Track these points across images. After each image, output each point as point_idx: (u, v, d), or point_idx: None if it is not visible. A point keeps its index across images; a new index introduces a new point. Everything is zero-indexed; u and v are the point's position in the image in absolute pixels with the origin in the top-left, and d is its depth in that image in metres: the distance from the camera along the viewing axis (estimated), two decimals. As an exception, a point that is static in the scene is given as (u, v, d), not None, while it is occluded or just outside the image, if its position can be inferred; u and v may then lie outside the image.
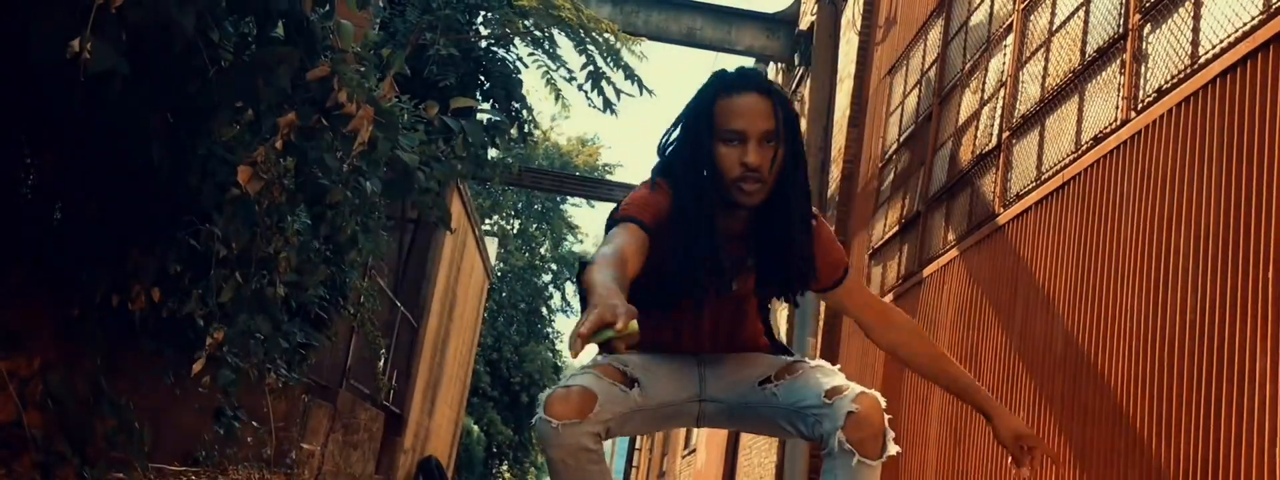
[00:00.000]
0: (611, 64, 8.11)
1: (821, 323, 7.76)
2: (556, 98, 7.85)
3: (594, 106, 6.04)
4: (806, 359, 2.34)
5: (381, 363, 10.40)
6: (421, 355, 12.87)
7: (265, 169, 2.88)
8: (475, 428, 27.82)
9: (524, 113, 8.64)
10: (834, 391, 2.11)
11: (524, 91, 8.80)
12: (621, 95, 6.84)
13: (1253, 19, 2.88)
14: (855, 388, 2.11)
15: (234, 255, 3.19)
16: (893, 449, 2.12)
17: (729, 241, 2.27)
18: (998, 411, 2.39)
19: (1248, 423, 2.56)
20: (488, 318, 26.29)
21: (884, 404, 2.11)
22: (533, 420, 2.18)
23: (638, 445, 23.84)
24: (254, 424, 5.36)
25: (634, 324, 1.81)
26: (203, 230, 3.17)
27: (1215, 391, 2.72)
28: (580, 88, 7.45)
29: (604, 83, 7.58)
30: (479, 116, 8.52)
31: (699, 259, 2.23)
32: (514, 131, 4.61)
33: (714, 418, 2.41)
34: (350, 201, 3.44)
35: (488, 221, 28.61)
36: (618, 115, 9.40)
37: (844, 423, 2.07)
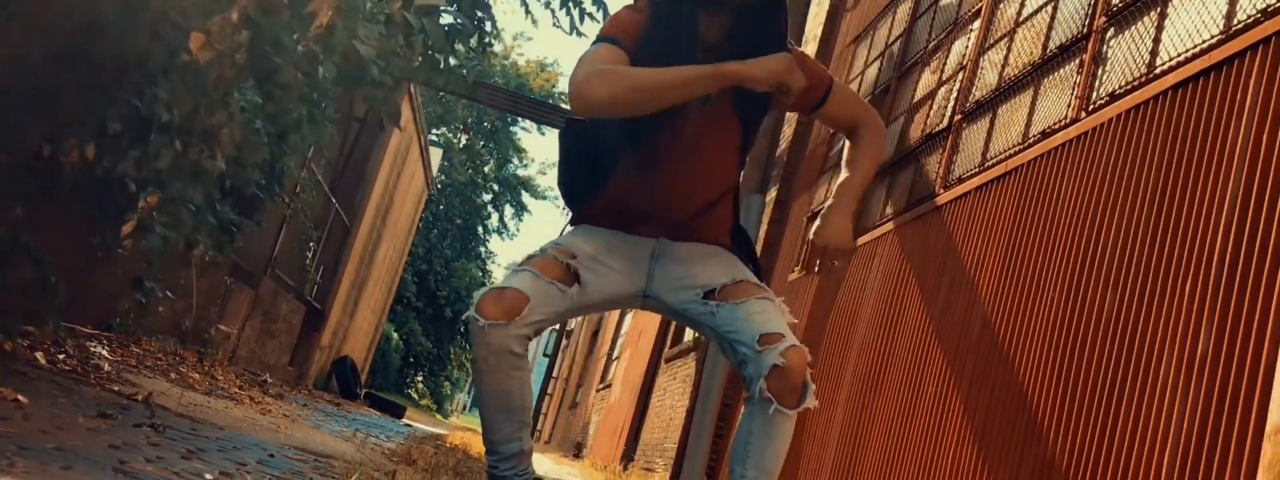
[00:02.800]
0: None
1: (760, 247, 7.86)
2: (526, 12, 7.76)
3: (560, 27, 5.96)
4: (753, 280, 2.36)
5: (310, 257, 10.36)
6: (350, 255, 12.83)
7: (219, 39, 2.83)
8: (396, 335, 27.87)
9: (487, 24, 8.53)
10: (767, 339, 2.17)
11: (490, 1, 8.66)
12: (586, 18, 6.77)
13: (1212, 38, 2.95)
14: (787, 340, 2.17)
15: (176, 123, 3.15)
16: (810, 402, 2.21)
17: (707, 49, 2.33)
18: (836, 209, 2.65)
19: (1144, 422, 2.67)
20: (422, 228, 26.19)
21: (809, 358, 2.19)
22: (464, 315, 2.26)
23: (554, 374, 24.06)
24: (170, 295, 5.34)
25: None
26: (147, 93, 3.12)
27: (1118, 389, 2.83)
28: (547, 6, 7.36)
29: (571, 3, 7.49)
30: (442, 20, 8.37)
31: (675, 61, 2.27)
32: (474, 40, 4.55)
33: (655, 310, 2.48)
34: (300, 84, 3.40)
35: (435, 132, 28.31)
36: (584, 37, 9.19)
37: (768, 373, 2.14)
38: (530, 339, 2.28)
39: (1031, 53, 4.21)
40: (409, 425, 11.72)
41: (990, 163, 4.25)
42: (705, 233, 2.45)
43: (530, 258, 2.34)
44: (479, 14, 7.27)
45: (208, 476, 2.16)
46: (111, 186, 3.58)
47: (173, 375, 4.95)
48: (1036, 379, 3.30)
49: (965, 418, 3.74)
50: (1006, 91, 4.34)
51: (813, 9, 9.07)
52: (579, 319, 21.36)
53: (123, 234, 3.37)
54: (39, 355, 3.46)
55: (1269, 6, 2.72)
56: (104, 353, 4.28)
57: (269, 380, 8.07)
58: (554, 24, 4.84)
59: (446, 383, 36.76)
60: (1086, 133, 3.51)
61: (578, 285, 2.31)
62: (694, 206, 2.42)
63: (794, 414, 2.19)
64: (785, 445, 2.24)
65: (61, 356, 3.71)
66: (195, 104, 3.03)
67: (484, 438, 2.35)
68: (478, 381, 2.30)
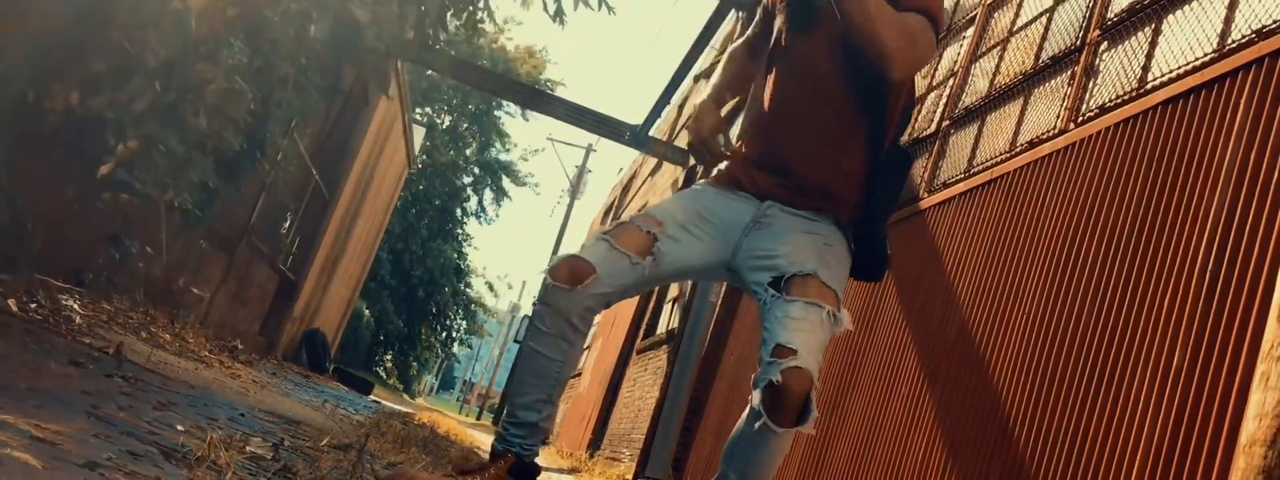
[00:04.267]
0: None
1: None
2: (517, -8, 7.70)
3: (546, 11, 5.91)
4: (820, 279, 2.28)
5: (287, 226, 10.30)
6: (328, 228, 12.76)
7: (213, -11, 2.80)
8: (367, 312, 27.74)
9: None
10: (779, 351, 2.13)
11: None
12: (579, 4, 6.71)
13: (1205, 56, 2.97)
14: (796, 359, 2.11)
15: (159, 68, 3.11)
16: (808, 428, 2.15)
17: None
18: None
19: (1116, 433, 2.69)
20: (400, 207, 26.04)
21: (814, 382, 2.12)
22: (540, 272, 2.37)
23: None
24: (147, 251, 5.29)
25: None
26: (135, 37, 3.08)
27: (1093, 398, 2.85)
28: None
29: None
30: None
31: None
32: (466, 16, 4.54)
33: (737, 283, 2.47)
34: (290, 41, 3.37)
35: (419, 110, 28.16)
36: (564, 26, 9.09)
37: (763, 386, 2.11)
38: (595, 312, 2.31)
39: (1023, 62, 4.23)
40: (376, 402, 11.69)
41: (976, 170, 4.27)
42: (825, 183, 2.42)
43: (620, 225, 2.37)
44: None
45: (179, 427, 2.14)
46: (91, 134, 3.55)
47: (144, 334, 4.91)
48: (1010, 385, 3.32)
49: (936, 420, 3.75)
50: (996, 100, 4.36)
51: (809, 9, 9.07)
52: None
53: (99, 174, 3.32)
54: (11, 302, 3.43)
55: (1263, 27, 2.75)
56: (75, 306, 4.24)
57: (239, 346, 8.02)
58: (542, 6, 4.82)
59: (415, 363, 36.61)
60: (1074, 144, 3.53)
61: (651, 258, 2.32)
62: (809, 147, 2.40)
63: (782, 433, 2.14)
64: (773, 458, 2.20)
65: (33, 306, 3.67)
66: (182, 52, 2.99)
67: (509, 398, 2.38)
68: (527, 337, 2.34)
